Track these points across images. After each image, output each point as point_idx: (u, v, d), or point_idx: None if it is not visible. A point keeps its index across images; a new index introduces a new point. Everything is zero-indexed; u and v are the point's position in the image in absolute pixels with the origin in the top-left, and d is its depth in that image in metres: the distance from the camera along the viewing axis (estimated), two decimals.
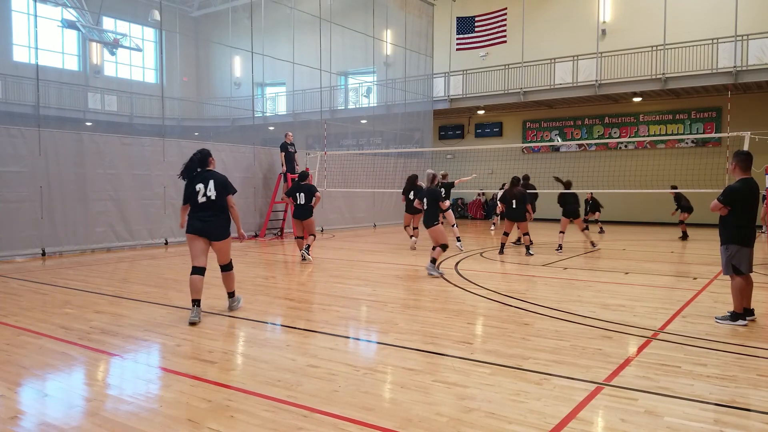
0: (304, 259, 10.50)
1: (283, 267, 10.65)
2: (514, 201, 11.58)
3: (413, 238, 12.83)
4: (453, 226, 10.80)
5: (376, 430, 3.27)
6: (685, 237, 15.08)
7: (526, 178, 13.91)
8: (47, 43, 20.70)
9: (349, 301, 7.19)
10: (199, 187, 6.00)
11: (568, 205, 12.18)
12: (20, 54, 21.19)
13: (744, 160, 5.77)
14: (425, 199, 9.15)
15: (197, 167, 6.14)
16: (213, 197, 5.99)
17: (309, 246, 10.62)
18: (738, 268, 5.70)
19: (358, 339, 5.54)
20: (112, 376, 4.47)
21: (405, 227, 13.53)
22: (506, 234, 11.91)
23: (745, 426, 3.37)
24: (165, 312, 6.44)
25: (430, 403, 3.67)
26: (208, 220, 6.00)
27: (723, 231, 5.84)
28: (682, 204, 14.93)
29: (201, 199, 6.00)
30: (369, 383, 4.08)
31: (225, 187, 6.10)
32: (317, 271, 9.50)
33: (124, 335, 5.40)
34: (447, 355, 4.73)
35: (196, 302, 5.92)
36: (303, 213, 10.56)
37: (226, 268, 6.30)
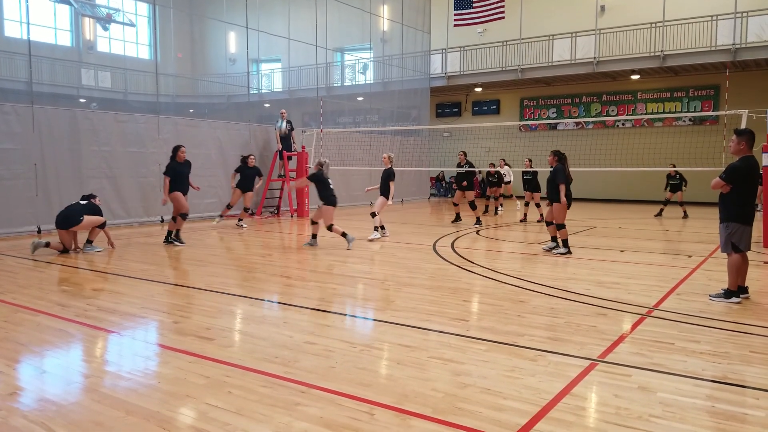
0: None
1: (280, 245, 10.67)
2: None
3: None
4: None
5: (373, 406, 3.30)
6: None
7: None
8: (39, 18, 20.37)
9: (345, 278, 7.21)
10: None
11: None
12: (12, 29, 20.84)
13: (751, 138, 5.80)
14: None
15: None
16: None
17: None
18: (737, 245, 5.73)
19: (354, 316, 5.57)
20: (110, 352, 4.49)
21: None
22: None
23: (737, 402, 3.41)
24: (162, 289, 6.46)
25: (426, 379, 3.71)
26: None
27: (723, 209, 5.83)
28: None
29: None
30: (366, 360, 4.11)
31: None
32: (314, 249, 9.50)
33: (121, 312, 5.42)
34: (443, 332, 4.76)
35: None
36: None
37: None
